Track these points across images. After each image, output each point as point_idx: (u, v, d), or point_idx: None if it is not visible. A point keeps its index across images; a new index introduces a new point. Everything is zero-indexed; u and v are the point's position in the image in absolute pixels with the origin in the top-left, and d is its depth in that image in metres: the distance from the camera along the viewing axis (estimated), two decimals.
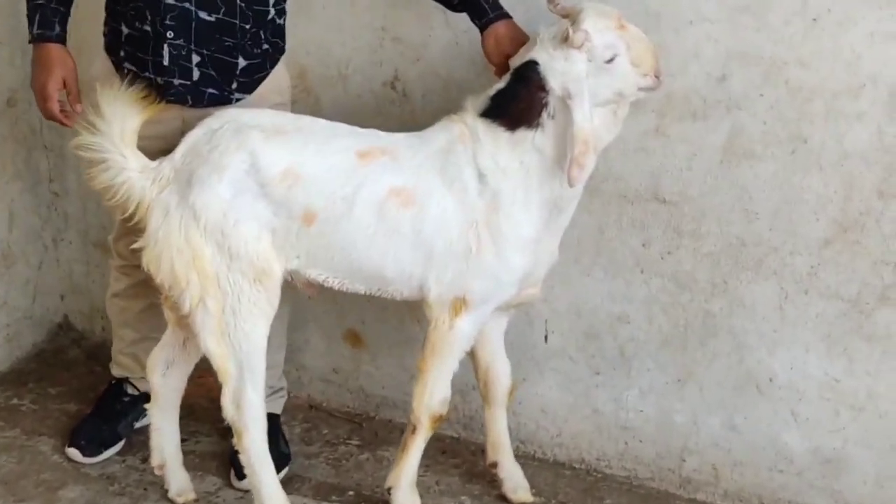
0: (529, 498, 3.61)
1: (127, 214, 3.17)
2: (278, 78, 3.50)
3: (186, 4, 3.21)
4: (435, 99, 3.62)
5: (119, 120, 3.11)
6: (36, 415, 4.08)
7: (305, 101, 3.84)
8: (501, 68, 3.15)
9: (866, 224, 3.24)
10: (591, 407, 3.78)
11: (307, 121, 3.22)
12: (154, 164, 3.15)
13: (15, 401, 4.17)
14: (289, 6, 3.49)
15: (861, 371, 3.38)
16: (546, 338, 3.75)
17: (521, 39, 3.16)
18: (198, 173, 3.05)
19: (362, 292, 3.23)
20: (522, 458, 3.80)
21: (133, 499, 3.63)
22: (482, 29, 3.21)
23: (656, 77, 3.02)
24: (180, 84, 3.28)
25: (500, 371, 3.49)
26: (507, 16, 3.22)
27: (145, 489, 3.67)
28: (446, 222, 3.03)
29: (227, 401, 3.23)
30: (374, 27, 3.69)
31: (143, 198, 3.12)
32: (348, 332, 4.11)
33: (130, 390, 3.93)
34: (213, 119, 3.17)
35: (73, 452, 3.82)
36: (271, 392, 3.80)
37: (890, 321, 3.31)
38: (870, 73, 3.13)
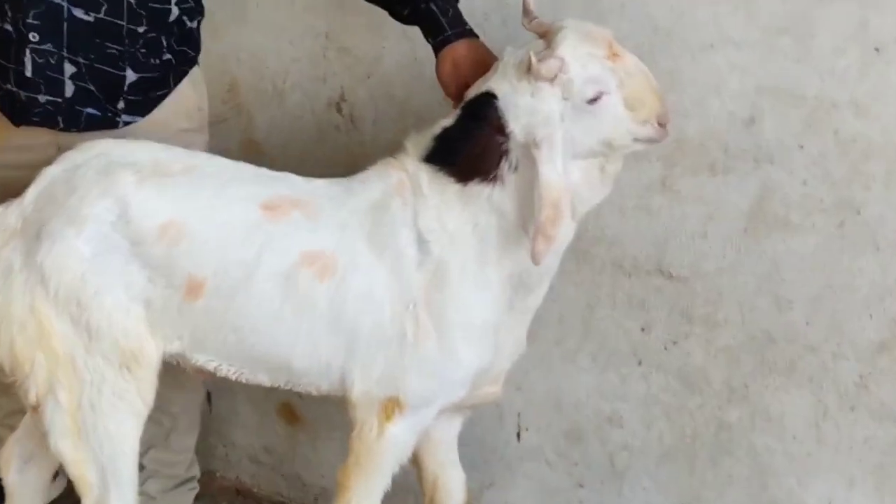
0: None
1: None
2: (186, 97, 2.99)
3: None
4: (388, 127, 3.22)
5: None
6: None
7: (236, 121, 3.47)
8: (460, 101, 2.66)
9: None
10: None
11: (202, 159, 2.72)
12: None
13: None
14: (209, 3, 2.99)
15: None
16: (519, 435, 3.31)
17: (486, 64, 2.66)
18: (50, 224, 2.56)
19: (267, 385, 2.76)
20: None
21: None
22: (437, 49, 2.74)
23: (660, 125, 2.52)
24: (48, 101, 2.79)
25: (451, 484, 2.97)
26: (470, 34, 2.74)
27: None
28: (375, 301, 2.57)
29: None
30: (316, 33, 3.28)
31: None
32: (283, 406, 3.66)
33: None
34: (77, 152, 2.67)
35: None
36: (177, 483, 3.38)
37: None
38: None
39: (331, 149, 3.30)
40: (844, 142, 2.73)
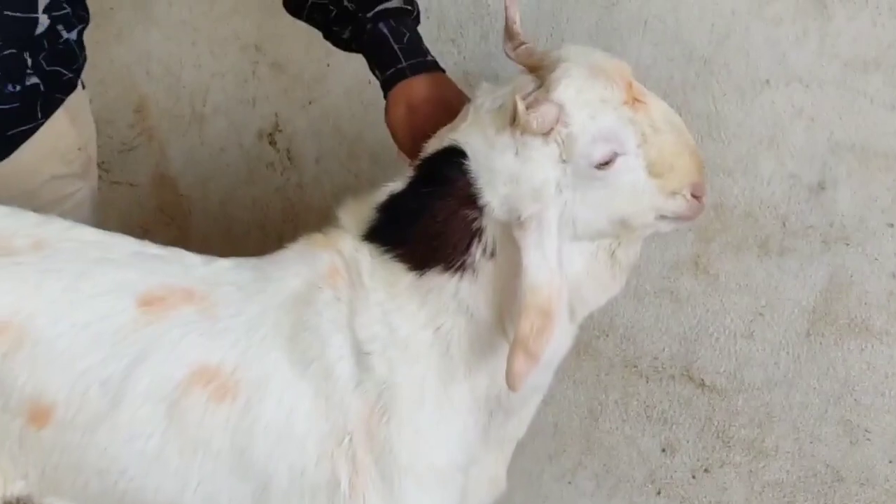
0: None
1: None
2: (61, 132, 2.46)
3: None
4: (335, 167, 2.79)
5: None
6: None
7: (145, 151, 3.05)
8: (415, 154, 2.08)
9: None
10: None
11: (57, 230, 2.17)
12: None
13: None
14: (96, 6, 2.47)
15: None
16: None
17: (452, 108, 2.08)
18: None
19: None
20: None
21: None
22: (388, 86, 2.17)
23: (695, 197, 1.94)
24: None
25: None
26: (432, 66, 2.16)
27: None
28: (294, 435, 2.01)
29: None
30: (243, 44, 2.82)
31: None
32: None
33: None
34: None
35: None
36: None
37: None
38: None
39: (262, 191, 2.87)
40: None
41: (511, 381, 1.87)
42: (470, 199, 1.91)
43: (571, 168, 1.88)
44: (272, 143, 2.88)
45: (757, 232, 2.37)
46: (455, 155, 1.92)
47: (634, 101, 1.91)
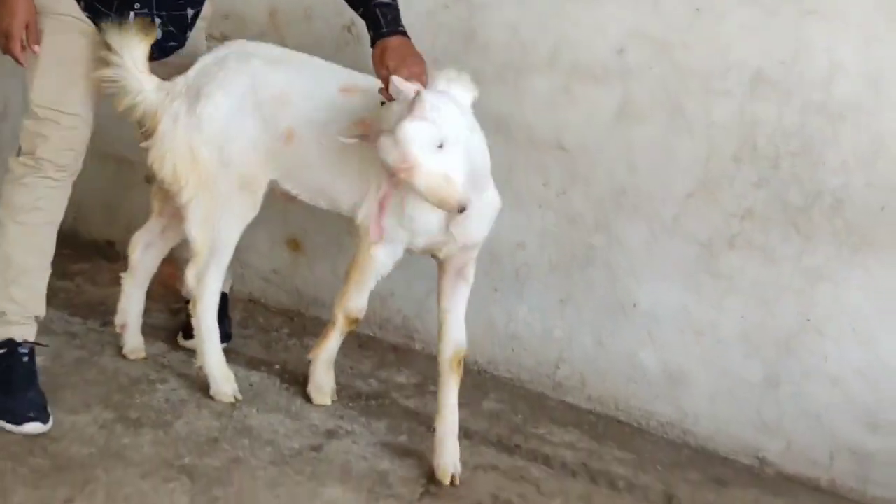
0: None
1: (145, 129, 3.48)
2: (206, 11, 3.71)
3: None
4: None
5: (128, 51, 3.34)
6: None
7: (273, 38, 4.11)
8: (385, 81, 3.14)
9: (722, 183, 3.67)
10: (487, 319, 4.10)
11: (304, 56, 3.58)
12: (167, 83, 3.45)
13: None
14: None
15: (707, 303, 3.77)
16: None
17: (406, 54, 3.19)
18: (206, 89, 3.37)
19: (324, 208, 3.53)
20: (425, 358, 4.13)
21: (91, 352, 3.96)
22: (374, 41, 3.26)
23: None
24: None
25: (450, 337, 3.49)
26: (401, 33, 3.26)
27: (102, 346, 4.01)
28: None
29: (190, 274, 3.59)
30: None
31: (157, 109, 3.41)
32: (290, 239, 4.43)
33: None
34: (223, 47, 3.55)
35: None
36: None
37: (733, 264, 3.71)
38: (737, 59, 3.59)
39: (343, 58, 3.75)
40: (677, 68, 3.68)
41: None
42: None
43: None
44: (349, 31, 4.08)
45: (593, 73, 3.76)
46: None
47: None
